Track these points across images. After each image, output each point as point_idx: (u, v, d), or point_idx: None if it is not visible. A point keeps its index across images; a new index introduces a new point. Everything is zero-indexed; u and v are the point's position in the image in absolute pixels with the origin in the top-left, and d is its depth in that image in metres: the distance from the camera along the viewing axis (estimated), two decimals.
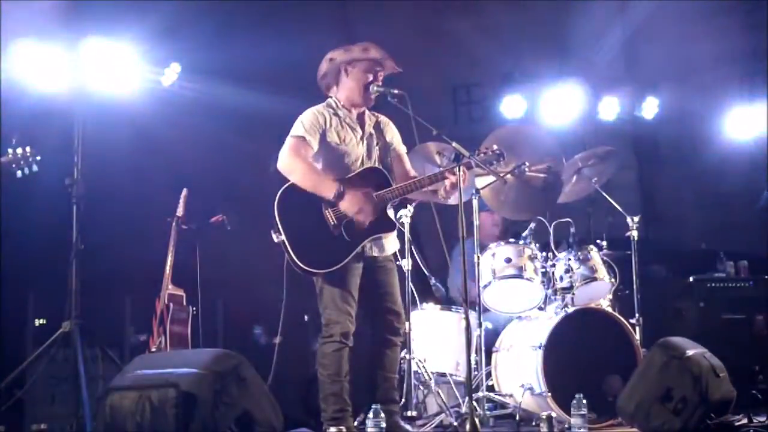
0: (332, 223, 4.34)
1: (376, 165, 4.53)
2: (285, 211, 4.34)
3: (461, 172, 4.26)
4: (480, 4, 8.21)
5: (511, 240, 5.71)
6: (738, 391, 4.57)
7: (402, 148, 4.68)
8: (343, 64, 4.52)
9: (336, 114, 4.53)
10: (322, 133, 4.46)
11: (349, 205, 4.31)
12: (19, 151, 4.66)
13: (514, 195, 5.34)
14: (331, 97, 4.59)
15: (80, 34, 5.56)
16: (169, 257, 5.90)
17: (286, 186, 4.38)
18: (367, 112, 4.61)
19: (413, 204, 5.20)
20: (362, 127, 4.57)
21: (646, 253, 5.96)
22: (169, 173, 6.57)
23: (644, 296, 5.64)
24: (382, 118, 4.67)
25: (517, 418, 4.99)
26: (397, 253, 4.72)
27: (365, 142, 4.55)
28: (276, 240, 4.32)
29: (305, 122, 4.46)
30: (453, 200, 5.17)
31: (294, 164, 4.37)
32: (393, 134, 4.67)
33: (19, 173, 4.68)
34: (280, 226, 4.30)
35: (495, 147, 4.51)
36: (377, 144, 4.58)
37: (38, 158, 4.68)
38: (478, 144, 5.05)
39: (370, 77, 4.49)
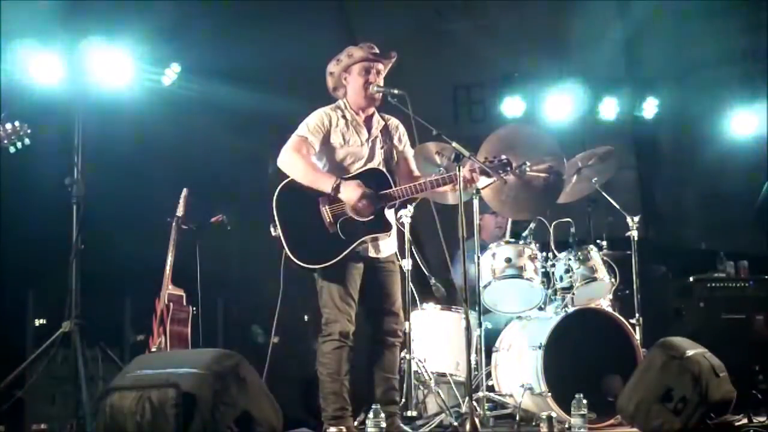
0: (328, 220, 4.37)
1: (379, 167, 4.55)
2: (283, 206, 4.39)
3: (463, 174, 4.27)
4: (480, 4, 8.22)
5: (511, 240, 5.72)
6: (738, 391, 4.57)
7: (409, 151, 4.72)
8: (341, 74, 4.58)
9: (344, 116, 4.56)
10: (326, 133, 4.50)
11: (348, 193, 4.33)
12: (9, 126, 4.58)
13: (514, 195, 5.33)
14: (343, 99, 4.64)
15: (80, 34, 5.57)
16: (169, 257, 5.89)
17: (285, 182, 4.43)
18: (376, 115, 4.64)
19: (413, 204, 5.20)
20: (369, 129, 4.60)
21: (646, 253, 5.95)
22: (169, 173, 6.57)
23: (644, 296, 5.64)
24: (392, 121, 4.69)
25: (517, 418, 4.99)
26: (397, 253, 4.73)
27: (369, 144, 4.58)
28: (273, 233, 4.37)
29: (310, 123, 4.50)
30: (452, 200, 5.19)
31: (293, 161, 4.42)
32: (401, 137, 4.70)
33: (12, 149, 4.59)
34: (277, 221, 4.36)
35: (503, 157, 4.52)
36: (382, 147, 4.61)
37: (29, 131, 4.59)
38: (478, 144, 5.05)
39: (366, 77, 4.52)
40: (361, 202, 4.34)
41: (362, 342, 4.52)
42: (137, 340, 6.03)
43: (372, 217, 4.40)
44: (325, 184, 4.36)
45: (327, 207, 4.38)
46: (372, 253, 4.48)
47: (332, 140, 4.52)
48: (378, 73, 4.54)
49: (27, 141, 4.60)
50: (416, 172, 4.67)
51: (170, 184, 6.22)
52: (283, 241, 4.33)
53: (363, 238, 4.40)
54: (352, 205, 4.35)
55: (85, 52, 5.55)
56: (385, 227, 4.46)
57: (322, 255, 4.34)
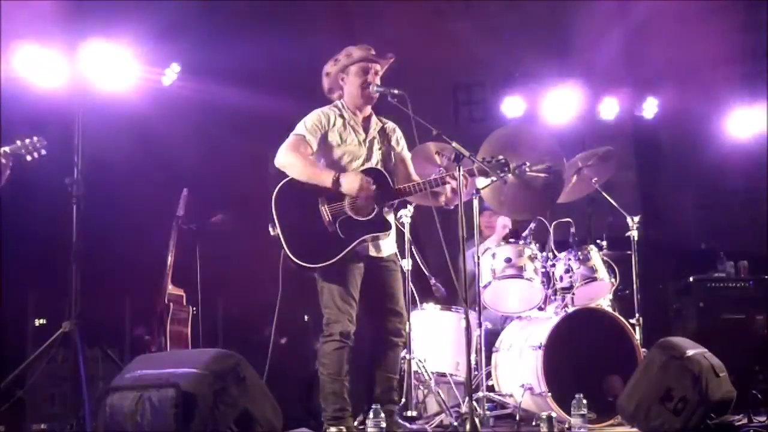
0: (327, 219, 4.36)
1: (377, 167, 4.55)
2: (282, 206, 4.38)
3: (461, 176, 4.26)
4: (480, 4, 8.22)
5: (511, 240, 5.72)
6: (738, 391, 4.57)
7: (407, 155, 4.72)
8: (338, 74, 4.58)
9: (341, 115, 4.56)
10: (323, 133, 4.50)
11: (349, 184, 4.32)
12: (27, 141, 4.85)
13: (514, 195, 5.34)
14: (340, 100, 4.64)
15: (80, 34, 5.57)
16: (169, 257, 5.90)
17: (284, 181, 4.42)
18: (373, 117, 4.65)
19: (413, 204, 5.20)
20: (366, 130, 4.60)
21: (646, 253, 5.96)
22: (169, 173, 6.57)
23: (644, 296, 5.64)
24: (389, 125, 4.70)
25: (517, 418, 4.99)
26: (397, 253, 4.73)
27: (367, 144, 4.58)
28: (272, 233, 4.36)
29: (307, 122, 4.50)
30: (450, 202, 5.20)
31: (291, 159, 4.41)
32: (398, 140, 4.70)
33: (28, 157, 4.87)
34: (276, 220, 4.35)
35: (501, 157, 4.52)
36: (380, 148, 4.61)
37: (45, 143, 4.88)
38: (478, 144, 5.05)
39: (365, 77, 4.52)
40: (363, 191, 4.32)
41: (363, 342, 4.52)
42: (146, 339, 6.04)
43: (371, 216, 4.40)
44: (325, 178, 4.35)
45: (326, 206, 4.37)
46: (372, 252, 4.48)
47: (330, 139, 4.51)
48: (376, 73, 4.54)
49: (44, 152, 4.88)
50: (414, 176, 4.65)
51: (170, 184, 6.22)
52: (282, 241, 4.33)
53: (362, 237, 4.39)
54: (355, 196, 4.33)
55: (85, 52, 5.54)
56: (385, 227, 4.45)
57: (321, 255, 4.33)
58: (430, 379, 5.26)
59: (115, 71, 5.79)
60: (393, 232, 4.57)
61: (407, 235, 5.17)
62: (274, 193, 4.40)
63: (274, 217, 4.36)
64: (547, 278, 5.58)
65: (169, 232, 5.96)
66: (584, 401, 4.48)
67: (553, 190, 5.29)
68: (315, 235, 4.35)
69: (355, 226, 4.38)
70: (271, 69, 6.59)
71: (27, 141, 4.85)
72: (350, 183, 4.33)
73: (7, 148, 4.81)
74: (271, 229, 4.36)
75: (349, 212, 4.39)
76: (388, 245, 4.56)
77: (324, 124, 4.50)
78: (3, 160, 4.78)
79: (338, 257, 4.33)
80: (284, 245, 4.32)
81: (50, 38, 5.54)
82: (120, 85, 5.89)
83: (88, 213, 5.01)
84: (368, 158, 4.56)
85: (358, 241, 4.37)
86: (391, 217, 4.54)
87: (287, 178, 4.42)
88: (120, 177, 6.36)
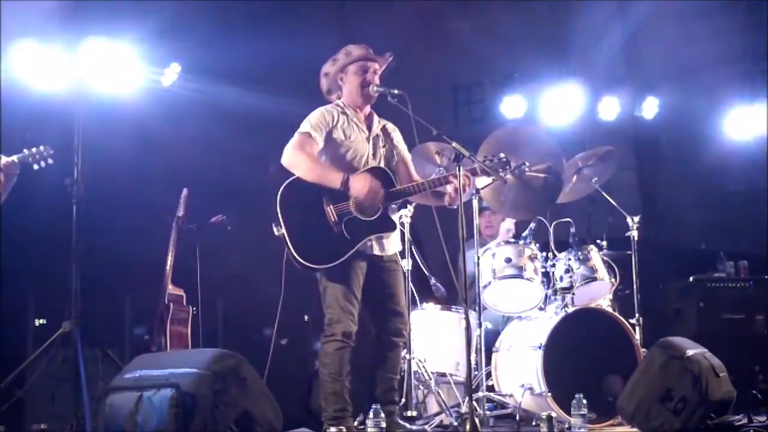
0: (333, 219, 4.35)
1: (381, 166, 4.55)
2: (287, 206, 4.35)
3: (462, 176, 4.26)
4: (480, 4, 8.24)
5: (511, 240, 5.72)
6: (738, 391, 4.58)
7: (407, 155, 4.72)
8: (337, 74, 4.58)
9: (344, 113, 4.55)
10: (328, 130, 4.49)
11: (359, 186, 4.32)
12: (34, 149, 4.92)
13: (514, 195, 5.34)
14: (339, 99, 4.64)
15: (80, 34, 5.56)
16: (169, 257, 5.89)
17: (289, 180, 4.40)
18: (375, 116, 4.64)
19: (413, 204, 5.20)
20: (369, 128, 4.60)
21: (646, 253, 5.96)
22: (169, 173, 6.57)
23: (644, 296, 5.64)
24: (390, 125, 4.70)
25: (517, 418, 4.99)
26: (397, 253, 4.73)
27: (371, 142, 4.58)
28: (276, 233, 4.33)
29: (312, 120, 4.49)
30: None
31: (298, 158, 4.40)
32: (399, 140, 4.71)
33: (35, 166, 4.94)
34: (281, 220, 4.32)
35: (502, 155, 4.52)
36: (383, 146, 4.61)
37: (52, 152, 4.95)
38: (478, 144, 5.06)
39: (364, 76, 4.52)
40: (371, 194, 4.32)
41: (364, 342, 4.51)
42: (146, 339, 6.04)
43: (376, 215, 4.39)
44: (333, 178, 4.35)
45: (331, 206, 4.36)
46: (376, 251, 4.47)
47: (335, 136, 4.50)
48: (374, 72, 4.54)
49: (51, 161, 4.95)
50: (416, 177, 4.66)
51: (170, 184, 6.21)
52: (288, 241, 4.31)
53: (368, 237, 4.38)
54: (362, 198, 4.34)
55: (85, 52, 5.54)
56: (390, 226, 4.45)
57: (327, 255, 4.32)
58: (430, 379, 5.27)
59: (116, 71, 5.78)
60: (396, 230, 4.57)
61: (407, 235, 5.17)
62: (279, 192, 4.37)
63: (279, 216, 4.33)
64: (547, 278, 5.58)
65: (169, 232, 5.95)
66: (584, 401, 4.48)
67: (553, 190, 5.29)
68: (320, 235, 4.34)
69: (361, 225, 4.37)
70: (271, 69, 6.59)
71: (34, 150, 4.89)
72: (359, 185, 4.33)
73: (15, 157, 4.85)
74: (275, 229, 4.34)
75: (355, 212, 4.38)
76: (391, 244, 4.55)
77: (328, 121, 4.49)
78: (12, 169, 4.80)
79: (345, 257, 4.32)
80: (289, 245, 4.29)
81: (50, 38, 5.53)
82: (120, 84, 5.88)
83: (88, 213, 5.01)
84: (373, 155, 4.56)
85: (364, 240, 4.37)
86: (395, 217, 4.54)
87: (291, 178, 4.40)
88: (120, 177, 6.35)
